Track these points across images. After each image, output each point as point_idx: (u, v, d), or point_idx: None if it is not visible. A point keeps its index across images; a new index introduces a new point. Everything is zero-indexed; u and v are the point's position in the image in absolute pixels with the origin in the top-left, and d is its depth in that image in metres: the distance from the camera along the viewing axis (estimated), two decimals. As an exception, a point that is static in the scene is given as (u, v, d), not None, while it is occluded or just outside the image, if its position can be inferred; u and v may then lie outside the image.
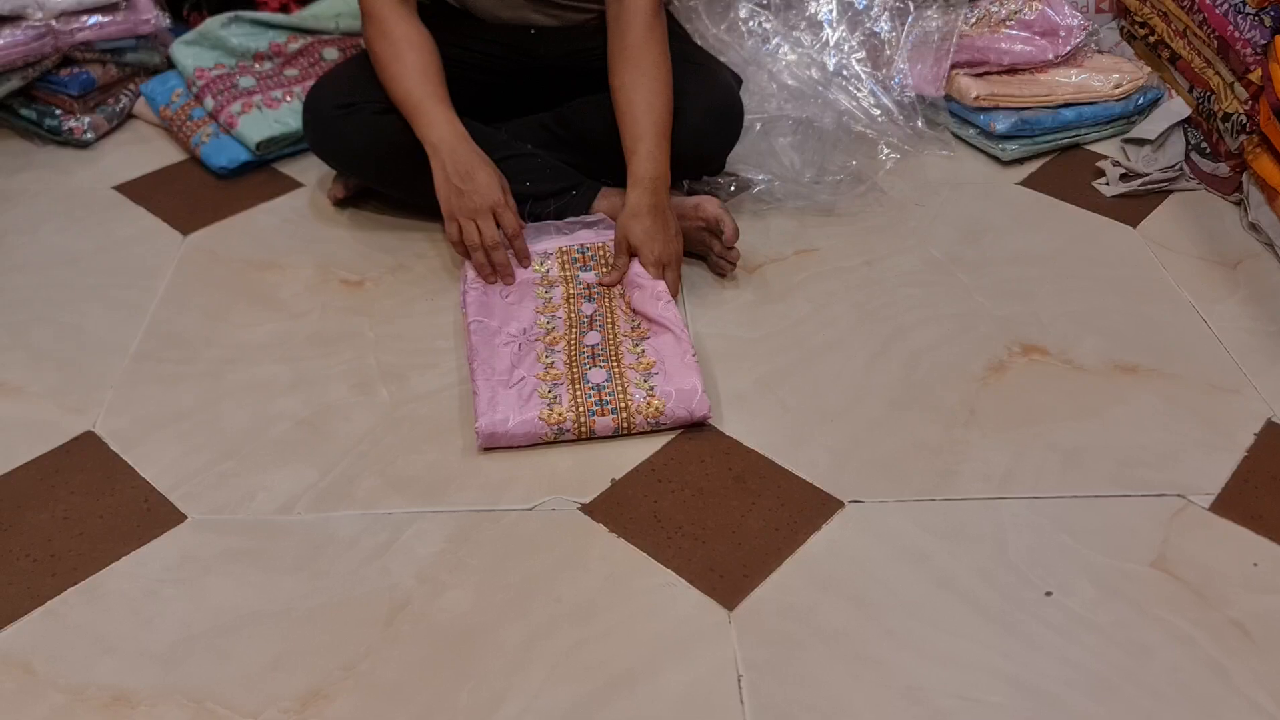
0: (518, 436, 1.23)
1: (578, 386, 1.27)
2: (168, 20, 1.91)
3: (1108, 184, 1.75)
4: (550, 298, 1.42)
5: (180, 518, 1.15)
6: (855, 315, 1.47)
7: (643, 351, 1.33)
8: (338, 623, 1.04)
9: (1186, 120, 1.81)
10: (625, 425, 1.25)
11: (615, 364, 1.31)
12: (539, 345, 1.34)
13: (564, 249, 1.48)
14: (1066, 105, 1.84)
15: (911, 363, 1.38)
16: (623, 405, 1.25)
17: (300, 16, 1.98)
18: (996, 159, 1.83)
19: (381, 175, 1.59)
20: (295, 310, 1.46)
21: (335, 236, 1.62)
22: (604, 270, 1.46)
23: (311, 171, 1.77)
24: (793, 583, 1.09)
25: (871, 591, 1.08)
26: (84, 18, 1.77)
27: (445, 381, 1.34)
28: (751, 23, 1.90)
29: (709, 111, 1.51)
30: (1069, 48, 1.88)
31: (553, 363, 1.31)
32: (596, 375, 1.29)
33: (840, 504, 1.18)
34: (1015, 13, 1.92)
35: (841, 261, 1.57)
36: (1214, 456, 1.25)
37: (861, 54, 1.86)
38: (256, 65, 1.89)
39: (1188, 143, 1.79)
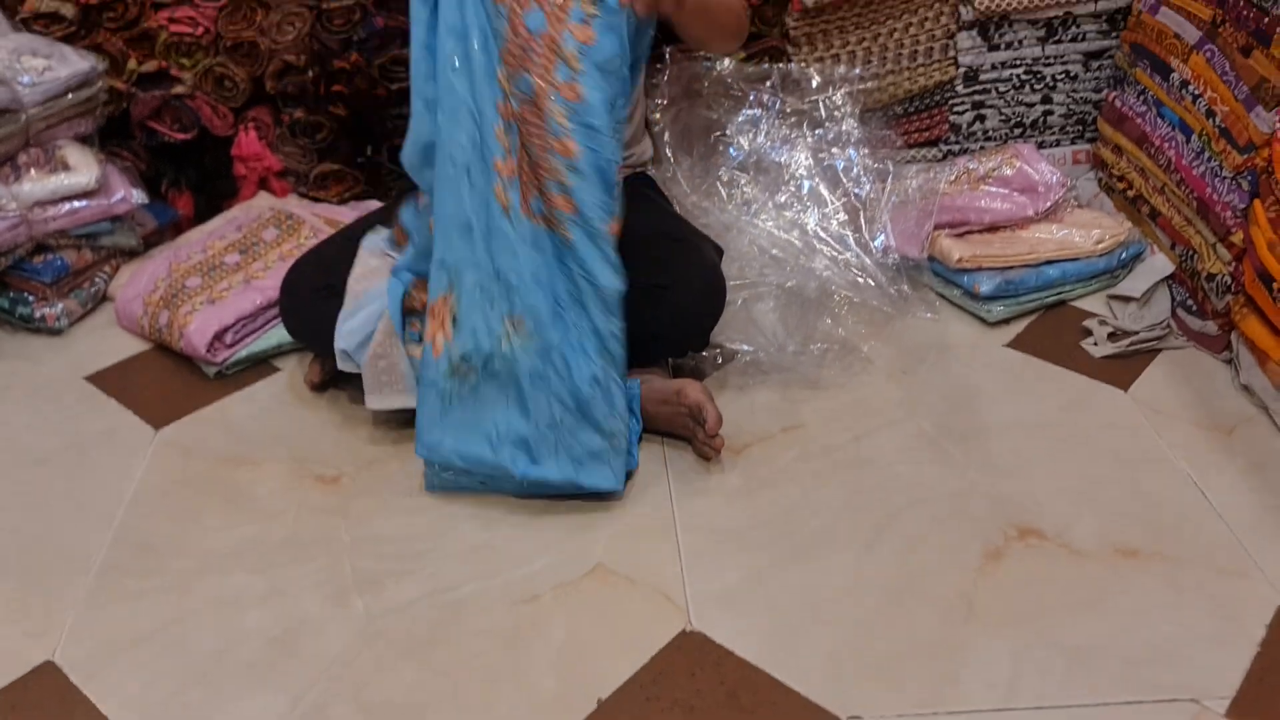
0: None
1: None
2: (144, 198, 1.88)
3: (1096, 344, 1.72)
4: None
5: (141, 761, 1.09)
6: (846, 499, 1.42)
7: None
8: None
9: (1171, 277, 1.80)
10: None
11: None
12: None
13: None
14: (1049, 262, 1.83)
15: (906, 551, 1.34)
16: None
17: None
18: (982, 320, 1.81)
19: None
20: (269, 511, 1.41)
21: (313, 424, 1.58)
22: None
23: (290, 356, 1.74)
24: (792, 818, 1.03)
25: (876, 827, 1.02)
26: (59, 205, 1.75)
27: (423, 589, 1.29)
28: (732, 187, 1.90)
29: (697, 293, 1.49)
30: (1049, 203, 1.88)
31: None
32: None
33: (839, 721, 1.13)
34: (993, 170, 1.92)
35: (830, 439, 1.53)
36: (1225, 651, 1.20)
37: (844, 216, 1.85)
38: None
39: (1173, 299, 1.78)
